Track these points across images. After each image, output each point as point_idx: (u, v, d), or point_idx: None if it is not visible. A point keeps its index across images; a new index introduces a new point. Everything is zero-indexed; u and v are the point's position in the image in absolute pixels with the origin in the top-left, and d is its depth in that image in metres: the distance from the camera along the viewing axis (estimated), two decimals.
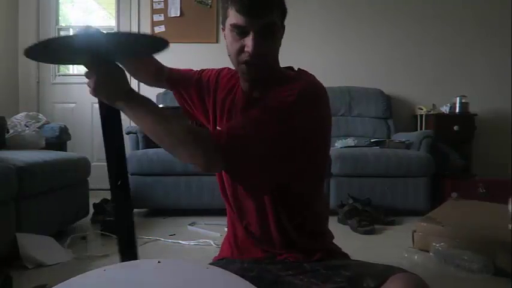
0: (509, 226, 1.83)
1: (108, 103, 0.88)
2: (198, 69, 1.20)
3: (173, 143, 0.86)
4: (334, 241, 1.11)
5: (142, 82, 1.25)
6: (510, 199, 1.88)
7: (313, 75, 1.00)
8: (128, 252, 0.95)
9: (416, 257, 1.92)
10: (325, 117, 1.00)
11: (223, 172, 1.08)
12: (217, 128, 1.08)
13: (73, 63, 0.99)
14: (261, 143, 0.86)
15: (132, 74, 1.19)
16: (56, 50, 0.86)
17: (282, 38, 0.99)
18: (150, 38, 0.98)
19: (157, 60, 1.21)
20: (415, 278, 0.82)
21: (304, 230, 1.02)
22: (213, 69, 1.17)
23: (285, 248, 1.02)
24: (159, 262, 0.80)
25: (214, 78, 1.13)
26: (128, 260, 0.90)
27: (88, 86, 0.88)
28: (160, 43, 0.89)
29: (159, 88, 1.27)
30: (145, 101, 0.89)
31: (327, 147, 1.06)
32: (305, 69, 1.05)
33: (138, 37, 0.95)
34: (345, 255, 1.07)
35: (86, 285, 0.75)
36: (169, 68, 1.21)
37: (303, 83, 0.95)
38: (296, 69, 1.05)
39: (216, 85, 1.12)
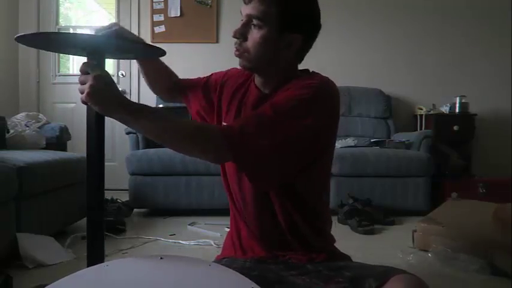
0: None
1: (104, 113, 0.84)
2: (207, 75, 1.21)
3: (182, 142, 0.87)
4: None
5: (157, 94, 1.27)
6: None
7: (327, 77, 0.99)
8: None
9: (415, 257, 1.92)
10: (336, 117, 1.00)
11: (227, 171, 1.08)
12: (223, 122, 1.08)
13: (74, 54, 1.00)
14: (273, 143, 0.86)
15: (149, 85, 1.22)
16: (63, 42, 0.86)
17: (289, 47, 0.96)
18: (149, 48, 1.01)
19: (173, 73, 1.21)
20: (416, 279, 0.82)
21: (310, 227, 1.02)
22: (221, 71, 1.18)
23: (294, 246, 1.02)
24: (161, 258, 0.80)
25: (221, 77, 1.14)
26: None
27: (81, 91, 0.83)
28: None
29: (174, 102, 1.27)
30: (143, 106, 0.88)
31: (333, 148, 1.06)
32: (305, 68, 1.05)
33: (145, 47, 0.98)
34: (347, 257, 1.07)
35: (89, 280, 0.75)
36: (180, 79, 1.22)
37: (318, 81, 0.95)
38: (310, 71, 1.05)
39: (222, 82, 1.12)
